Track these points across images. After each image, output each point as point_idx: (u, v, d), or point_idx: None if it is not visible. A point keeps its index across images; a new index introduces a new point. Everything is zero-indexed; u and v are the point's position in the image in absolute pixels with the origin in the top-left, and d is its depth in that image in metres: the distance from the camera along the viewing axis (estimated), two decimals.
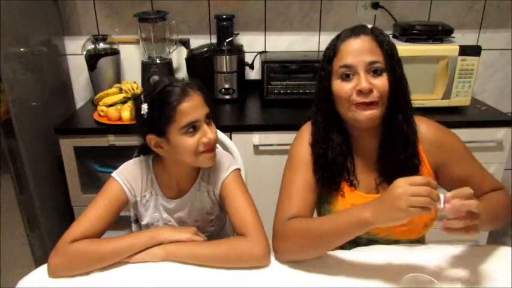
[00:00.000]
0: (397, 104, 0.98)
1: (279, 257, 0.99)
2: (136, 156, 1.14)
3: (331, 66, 0.98)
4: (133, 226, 1.21)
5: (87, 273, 0.95)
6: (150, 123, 0.98)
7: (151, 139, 1.00)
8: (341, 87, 0.96)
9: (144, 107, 0.97)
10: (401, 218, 0.80)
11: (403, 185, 0.80)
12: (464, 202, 0.79)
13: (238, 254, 0.97)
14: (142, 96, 1.00)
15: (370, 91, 0.93)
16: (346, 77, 0.96)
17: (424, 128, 1.04)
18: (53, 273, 0.94)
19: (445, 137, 1.06)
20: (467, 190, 0.80)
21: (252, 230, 0.99)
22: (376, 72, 0.94)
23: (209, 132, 0.99)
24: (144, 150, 1.12)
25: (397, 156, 1.00)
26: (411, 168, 1.01)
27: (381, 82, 0.94)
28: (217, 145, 1.35)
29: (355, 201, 1.02)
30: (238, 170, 1.12)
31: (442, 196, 0.80)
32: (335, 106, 1.00)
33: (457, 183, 0.99)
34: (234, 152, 1.36)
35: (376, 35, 0.96)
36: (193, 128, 0.97)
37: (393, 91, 0.95)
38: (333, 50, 0.98)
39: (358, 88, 0.93)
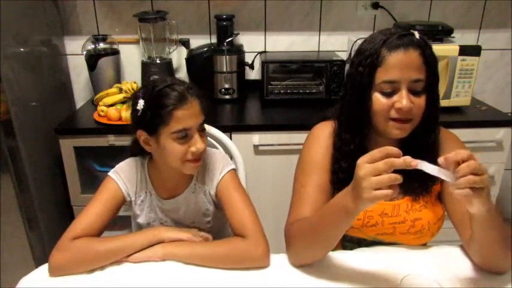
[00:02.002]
0: (427, 121, 0.96)
1: (291, 261, 0.98)
2: (129, 156, 1.14)
3: (373, 75, 0.92)
4: (133, 226, 1.21)
5: (88, 272, 0.95)
6: (143, 120, 0.98)
7: (142, 135, 1.00)
8: (380, 102, 0.93)
9: (141, 103, 0.97)
10: (372, 202, 0.74)
11: (363, 165, 0.74)
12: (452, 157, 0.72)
13: (238, 254, 0.96)
14: (140, 92, 1.00)
15: (409, 110, 0.91)
16: (387, 94, 0.92)
17: (449, 142, 1.03)
18: (54, 271, 0.94)
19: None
20: (462, 151, 0.73)
21: (251, 231, 0.99)
22: (417, 92, 0.92)
23: (199, 142, 0.98)
24: (136, 150, 1.12)
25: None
26: (427, 176, 1.00)
27: (420, 102, 0.92)
28: (214, 144, 1.36)
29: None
30: (233, 170, 1.12)
31: (430, 165, 0.74)
32: (368, 112, 0.96)
33: (456, 197, 0.99)
34: (234, 152, 1.36)
35: (424, 48, 0.92)
36: (184, 135, 0.97)
37: (427, 110, 0.94)
38: (377, 57, 0.91)
39: (399, 106, 0.91)
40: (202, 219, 1.14)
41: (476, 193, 0.73)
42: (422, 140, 0.98)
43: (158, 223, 1.13)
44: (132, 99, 1.02)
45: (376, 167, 0.72)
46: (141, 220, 1.13)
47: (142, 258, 0.97)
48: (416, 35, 0.93)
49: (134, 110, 1.00)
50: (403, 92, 0.91)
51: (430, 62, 0.93)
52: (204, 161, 1.10)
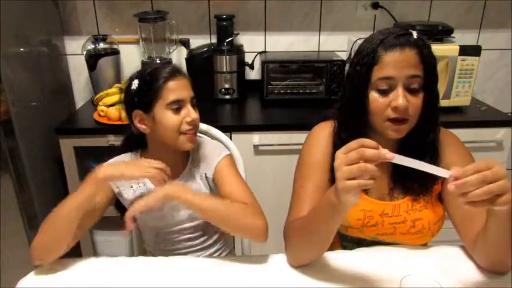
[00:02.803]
0: (426, 121, 0.96)
1: (289, 261, 0.98)
2: (120, 153, 1.15)
3: (370, 74, 0.92)
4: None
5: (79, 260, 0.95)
6: (138, 98, 1.03)
7: (137, 115, 1.04)
8: (377, 101, 0.93)
9: (135, 82, 1.03)
10: (348, 193, 0.73)
11: (338, 155, 0.74)
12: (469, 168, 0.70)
13: (238, 216, 0.97)
14: (133, 75, 1.06)
15: (406, 109, 0.91)
16: (383, 92, 0.92)
17: (450, 143, 1.03)
18: (33, 256, 0.94)
19: (463, 154, 1.03)
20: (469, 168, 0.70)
21: (251, 204, 1.01)
22: (413, 91, 0.91)
23: (193, 112, 1.04)
24: (128, 146, 1.14)
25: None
26: (426, 175, 0.99)
27: (416, 101, 0.92)
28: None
29: (365, 207, 1.01)
30: (230, 155, 1.15)
31: (407, 158, 0.73)
32: (366, 112, 0.96)
33: (456, 198, 0.98)
34: (234, 152, 1.36)
35: (421, 48, 0.91)
36: (178, 106, 1.03)
37: (426, 110, 0.94)
38: (373, 56, 0.92)
39: (395, 105, 0.90)
40: None
41: (495, 200, 0.71)
42: (422, 140, 0.98)
43: (154, 212, 1.10)
44: (126, 85, 1.08)
45: (348, 156, 0.73)
46: None
47: (147, 206, 0.93)
48: (414, 34, 0.93)
49: (129, 92, 1.05)
50: (399, 90, 0.91)
51: (427, 61, 0.92)
52: (198, 147, 1.13)
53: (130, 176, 0.97)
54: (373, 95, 0.94)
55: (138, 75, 1.04)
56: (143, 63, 2.00)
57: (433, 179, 1.01)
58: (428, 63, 0.93)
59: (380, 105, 0.93)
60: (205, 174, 1.12)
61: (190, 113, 1.03)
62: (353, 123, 0.99)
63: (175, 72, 1.04)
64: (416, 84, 0.91)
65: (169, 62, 2.02)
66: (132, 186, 1.10)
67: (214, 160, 1.11)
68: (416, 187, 1.01)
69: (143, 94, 1.02)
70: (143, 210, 0.93)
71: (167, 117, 1.02)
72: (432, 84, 0.95)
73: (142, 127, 1.05)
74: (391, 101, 0.92)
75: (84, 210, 0.96)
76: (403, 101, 0.90)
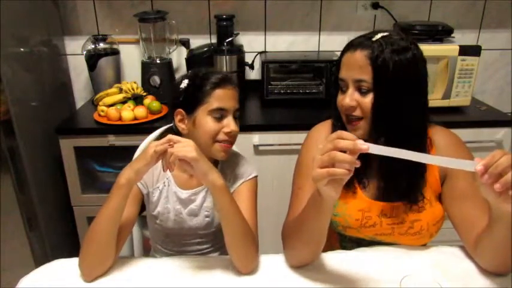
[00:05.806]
0: (388, 122, 0.93)
1: (288, 262, 0.99)
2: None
3: (337, 74, 0.99)
4: (148, 219, 1.20)
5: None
6: (183, 98, 1.04)
7: (179, 113, 1.05)
8: (338, 100, 0.98)
9: (185, 82, 1.05)
10: (318, 182, 0.75)
11: (318, 147, 0.77)
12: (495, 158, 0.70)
13: (245, 239, 0.96)
14: (186, 75, 1.07)
15: (352, 108, 0.94)
16: (342, 91, 0.97)
17: (441, 136, 1.02)
18: (85, 274, 0.93)
19: (461, 149, 1.02)
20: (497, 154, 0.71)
21: (255, 238, 1.01)
22: (362, 91, 0.93)
23: (233, 124, 1.03)
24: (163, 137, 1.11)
25: (399, 163, 0.87)
26: (415, 174, 0.99)
27: (366, 100, 0.92)
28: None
29: (363, 208, 1.01)
30: (257, 177, 1.15)
31: (383, 147, 0.73)
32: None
33: (456, 199, 0.99)
34: None
35: (375, 50, 0.90)
36: (220, 115, 1.02)
37: (381, 110, 0.92)
38: (340, 57, 0.98)
39: (343, 104, 0.95)
40: (216, 214, 1.13)
41: None
42: (399, 137, 0.93)
43: (173, 214, 1.11)
44: (176, 83, 1.09)
45: (324, 147, 0.74)
46: (155, 211, 1.12)
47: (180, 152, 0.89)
48: (378, 35, 0.92)
49: (176, 89, 1.06)
50: (349, 90, 0.94)
51: (378, 62, 0.89)
52: (230, 160, 1.13)
53: (143, 166, 0.92)
54: (339, 94, 0.98)
55: (190, 76, 1.06)
56: (143, 64, 2.00)
57: (421, 178, 1.00)
58: (382, 65, 0.89)
59: (339, 103, 0.98)
60: (229, 187, 1.11)
61: (230, 124, 1.03)
62: (341, 122, 1.02)
63: (226, 81, 1.04)
64: (363, 87, 0.93)
65: (169, 62, 2.02)
66: (158, 186, 1.10)
67: (242, 178, 1.11)
68: (405, 186, 0.99)
69: (189, 95, 1.03)
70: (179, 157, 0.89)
71: (207, 123, 1.02)
72: (383, 85, 0.91)
73: (181, 126, 1.06)
74: (342, 100, 0.96)
75: (118, 220, 0.94)
76: (349, 100, 0.94)
